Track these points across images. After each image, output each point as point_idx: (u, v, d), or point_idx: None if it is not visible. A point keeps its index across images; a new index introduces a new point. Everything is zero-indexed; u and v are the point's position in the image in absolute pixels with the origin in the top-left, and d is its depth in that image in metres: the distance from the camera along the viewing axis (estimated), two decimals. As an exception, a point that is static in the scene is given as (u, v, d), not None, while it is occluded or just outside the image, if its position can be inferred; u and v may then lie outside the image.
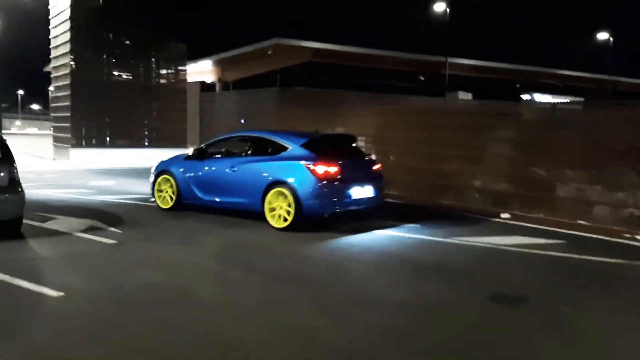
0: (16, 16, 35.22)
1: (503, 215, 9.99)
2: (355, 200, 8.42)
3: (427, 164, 12.18)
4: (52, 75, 22.07)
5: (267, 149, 8.85)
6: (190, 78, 33.78)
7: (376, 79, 30.38)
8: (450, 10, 29.14)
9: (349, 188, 8.28)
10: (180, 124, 22.44)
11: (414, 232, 8.32)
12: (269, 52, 26.46)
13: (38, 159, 20.80)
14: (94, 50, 20.82)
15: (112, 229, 8.00)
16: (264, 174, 8.40)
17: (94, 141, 20.81)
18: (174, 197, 9.52)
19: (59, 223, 8.32)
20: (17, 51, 54.09)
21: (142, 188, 12.06)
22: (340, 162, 8.27)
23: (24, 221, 7.64)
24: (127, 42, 21.91)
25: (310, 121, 12.97)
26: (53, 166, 18.79)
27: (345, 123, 14.00)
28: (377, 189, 8.77)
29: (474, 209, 10.51)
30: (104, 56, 21.11)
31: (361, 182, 8.50)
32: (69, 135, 20.36)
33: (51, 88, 22.67)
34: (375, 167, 9.15)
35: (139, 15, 21.24)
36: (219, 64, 31.43)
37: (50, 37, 21.89)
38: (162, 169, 9.77)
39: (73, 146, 20.17)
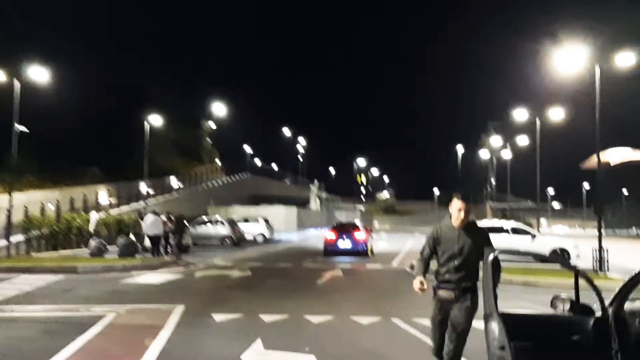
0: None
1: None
2: (341, 248, 24.40)
3: None
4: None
5: None
6: None
7: None
8: None
9: (338, 242, 24.72)
10: None
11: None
12: None
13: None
14: None
15: None
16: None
17: None
18: None
19: None
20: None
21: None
22: (336, 231, 25.55)
23: None
24: None
25: None
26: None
27: None
28: (354, 244, 24.26)
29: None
30: None
31: (345, 239, 24.56)
32: None
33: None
34: (357, 232, 24.90)
35: None
36: None
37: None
38: None
39: None
